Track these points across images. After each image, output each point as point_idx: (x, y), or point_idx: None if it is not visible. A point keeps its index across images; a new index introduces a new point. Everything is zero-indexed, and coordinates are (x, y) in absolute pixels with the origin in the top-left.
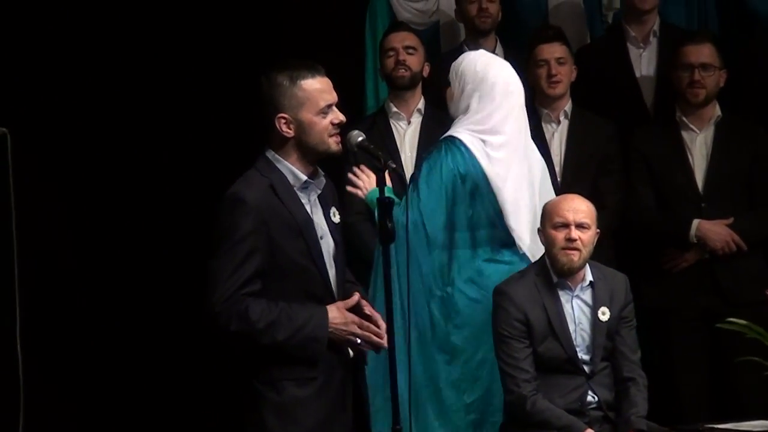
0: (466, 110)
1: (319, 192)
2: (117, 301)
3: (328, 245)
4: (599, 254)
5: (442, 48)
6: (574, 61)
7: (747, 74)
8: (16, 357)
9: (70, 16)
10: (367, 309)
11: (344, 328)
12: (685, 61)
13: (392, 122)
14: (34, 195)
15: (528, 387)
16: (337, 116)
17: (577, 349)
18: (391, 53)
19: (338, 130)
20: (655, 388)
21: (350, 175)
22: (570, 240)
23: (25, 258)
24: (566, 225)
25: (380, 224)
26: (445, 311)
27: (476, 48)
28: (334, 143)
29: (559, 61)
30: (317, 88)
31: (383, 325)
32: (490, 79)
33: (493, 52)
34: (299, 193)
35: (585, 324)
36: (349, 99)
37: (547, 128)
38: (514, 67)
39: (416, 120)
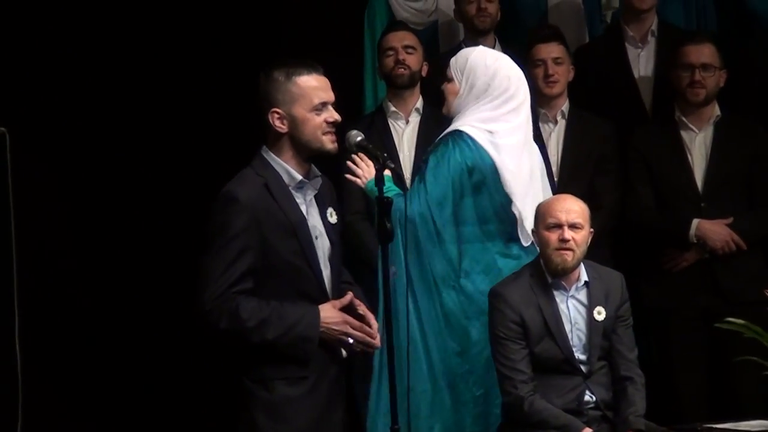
0: (476, 104)
1: (316, 192)
2: (116, 300)
3: (323, 246)
4: (595, 254)
5: (441, 47)
6: (572, 60)
7: (745, 74)
8: (16, 357)
9: (69, 16)
10: (361, 309)
11: (336, 327)
12: (685, 61)
13: (390, 121)
14: (34, 195)
15: (525, 388)
16: (332, 115)
17: (574, 349)
18: (390, 52)
19: (333, 129)
20: (655, 388)
21: (349, 163)
22: (563, 240)
23: (24, 258)
24: (559, 225)
25: (379, 224)
26: (460, 303)
27: None
28: (327, 141)
29: (556, 61)
30: (312, 84)
31: (375, 324)
32: (503, 72)
33: None
34: (294, 193)
35: (581, 324)
36: (347, 98)
37: (544, 128)
38: None
39: (414, 119)
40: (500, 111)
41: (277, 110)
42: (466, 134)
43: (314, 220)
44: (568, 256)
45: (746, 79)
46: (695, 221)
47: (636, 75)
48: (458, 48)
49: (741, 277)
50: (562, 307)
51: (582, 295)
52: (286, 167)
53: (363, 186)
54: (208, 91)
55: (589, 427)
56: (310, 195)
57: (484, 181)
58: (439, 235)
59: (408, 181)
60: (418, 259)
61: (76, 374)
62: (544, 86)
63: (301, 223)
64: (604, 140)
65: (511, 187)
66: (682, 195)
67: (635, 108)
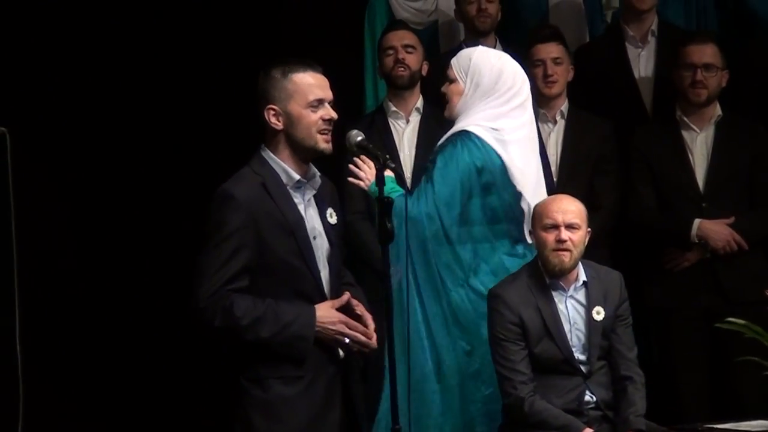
0: (482, 103)
1: (315, 192)
2: (116, 300)
3: (322, 246)
4: (594, 254)
5: (441, 47)
6: (571, 60)
7: (745, 74)
8: (16, 357)
9: (69, 16)
10: (359, 309)
11: (332, 327)
12: (687, 61)
13: (391, 121)
14: (34, 194)
15: (525, 389)
16: (328, 113)
17: (573, 350)
18: (390, 52)
19: (329, 127)
20: (656, 388)
21: (351, 167)
22: (560, 241)
23: (24, 257)
24: (556, 226)
25: (379, 224)
26: (470, 302)
27: None
28: (322, 140)
29: (556, 61)
30: (308, 82)
31: (372, 324)
32: (509, 69)
33: None
34: (293, 193)
35: (580, 324)
36: (348, 98)
37: (544, 128)
38: None
39: (415, 119)
40: (507, 108)
41: (273, 107)
42: (474, 134)
43: (313, 221)
44: (566, 257)
45: (746, 79)
46: (696, 221)
47: (636, 75)
48: (459, 48)
49: (742, 277)
50: (560, 307)
51: (581, 295)
52: (284, 166)
53: (366, 188)
54: (208, 91)
55: (590, 427)
56: (309, 195)
57: (493, 182)
58: (447, 236)
59: (408, 181)
60: (424, 259)
61: (76, 374)
62: (543, 86)
63: (298, 223)
64: (603, 140)
65: (520, 182)
66: (684, 195)
67: (635, 108)
